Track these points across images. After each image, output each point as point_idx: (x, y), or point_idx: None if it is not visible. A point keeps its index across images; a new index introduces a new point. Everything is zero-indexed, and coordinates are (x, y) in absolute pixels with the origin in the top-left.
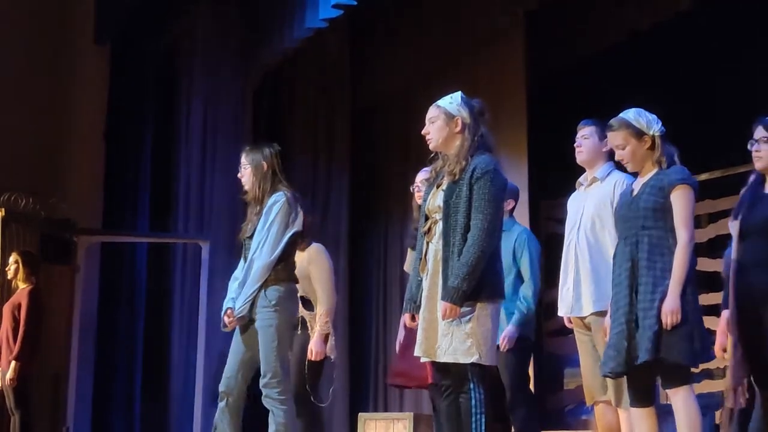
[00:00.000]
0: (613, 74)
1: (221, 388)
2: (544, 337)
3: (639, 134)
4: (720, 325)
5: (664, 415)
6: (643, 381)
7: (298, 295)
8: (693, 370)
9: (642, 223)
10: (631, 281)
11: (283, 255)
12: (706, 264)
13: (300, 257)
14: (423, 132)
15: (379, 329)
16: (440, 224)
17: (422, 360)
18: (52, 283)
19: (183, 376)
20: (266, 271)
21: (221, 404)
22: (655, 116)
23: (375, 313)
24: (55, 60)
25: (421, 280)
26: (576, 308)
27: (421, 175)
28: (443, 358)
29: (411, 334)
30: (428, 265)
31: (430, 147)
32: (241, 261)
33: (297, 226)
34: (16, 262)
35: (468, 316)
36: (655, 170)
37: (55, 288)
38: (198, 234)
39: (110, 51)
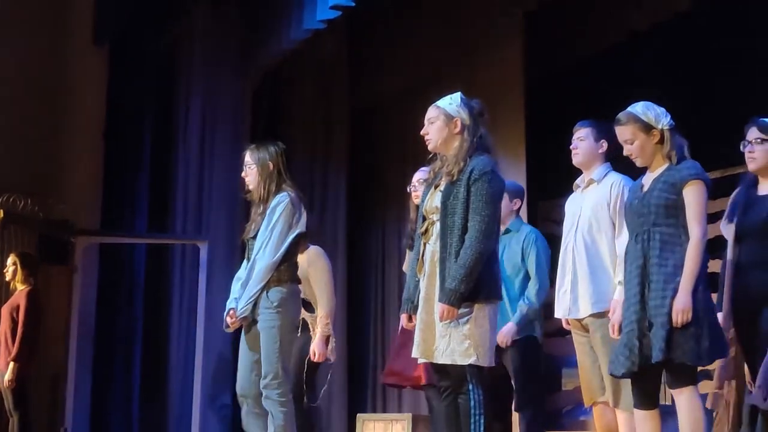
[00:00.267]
0: (612, 75)
1: (238, 392)
2: (542, 338)
3: (647, 128)
4: None
5: (664, 415)
6: (652, 381)
7: (299, 290)
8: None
9: (653, 220)
10: (641, 279)
11: (286, 256)
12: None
13: (299, 259)
14: (422, 132)
15: (377, 330)
16: (437, 225)
17: (419, 361)
18: (51, 284)
19: (181, 376)
20: (269, 272)
21: (243, 409)
22: (663, 109)
23: (373, 314)
24: (53, 60)
25: (419, 281)
26: (573, 310)
27: (418, 175)
28: (441, 360)
29: (406, 334)
30: (425, 266)
31: (429, 148)
32: (244, 261)
33: (301, 227)
34: (15, 263)
35: (466, 318)
36: (665, 165)
37: (53, 289)
38: (196, 235)
39: (109, 51)
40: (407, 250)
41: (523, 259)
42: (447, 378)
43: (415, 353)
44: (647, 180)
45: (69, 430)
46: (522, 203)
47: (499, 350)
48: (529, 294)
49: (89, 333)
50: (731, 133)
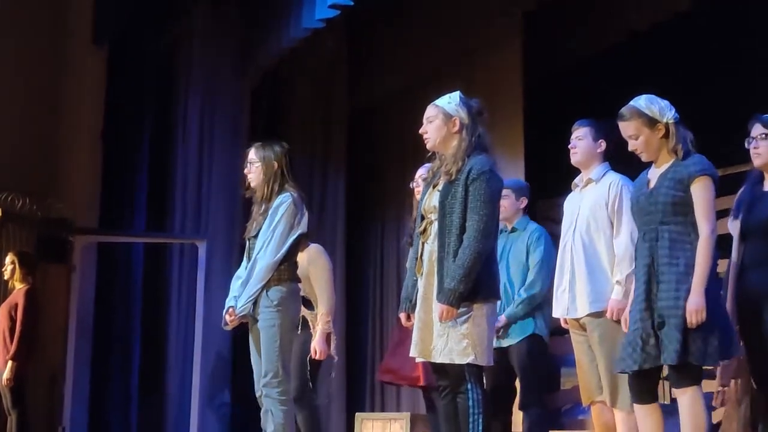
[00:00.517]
0: (611, 75)
1: (257, 393)
2: (548, 337)
3: (652, 123)
4: None
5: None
6: (653, 379)
7: (299, 289)
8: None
9: (661, 218)
10: (648, 277)
11: (287, 256)
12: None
13: (300, 258)
14: (421, 131)
15: (376, 329)
16: (435, 225)
17: (417, 360)
18: (49, 282)
19: (180, 375)
20: (269, 272)
21: (263, 409)
22: (667, 102)
23: (371, 312)
24: (53, 60)
25: (417, 280)
26: (571, 309)
27: (421, 171)
28: (439, 359)
29: (403, 332)
30: (424, 265)
31: (428, 146)
32: (244, 260)
33: (302, 227)
34: (13, 262)
35: (464, 317)
36: (672, 160)
37: (52, 287)
38: (195, 234)
39: (108, 51)
40: (409, 248)
41: (527, 257)
42: (445, 377)
43: (413, 352)
44: (653, 175)
45: (67, 428)
46: (528, 201)
47: (504, 349)
48: (525, 288)
49: (87, 331)
50: (731, 132)
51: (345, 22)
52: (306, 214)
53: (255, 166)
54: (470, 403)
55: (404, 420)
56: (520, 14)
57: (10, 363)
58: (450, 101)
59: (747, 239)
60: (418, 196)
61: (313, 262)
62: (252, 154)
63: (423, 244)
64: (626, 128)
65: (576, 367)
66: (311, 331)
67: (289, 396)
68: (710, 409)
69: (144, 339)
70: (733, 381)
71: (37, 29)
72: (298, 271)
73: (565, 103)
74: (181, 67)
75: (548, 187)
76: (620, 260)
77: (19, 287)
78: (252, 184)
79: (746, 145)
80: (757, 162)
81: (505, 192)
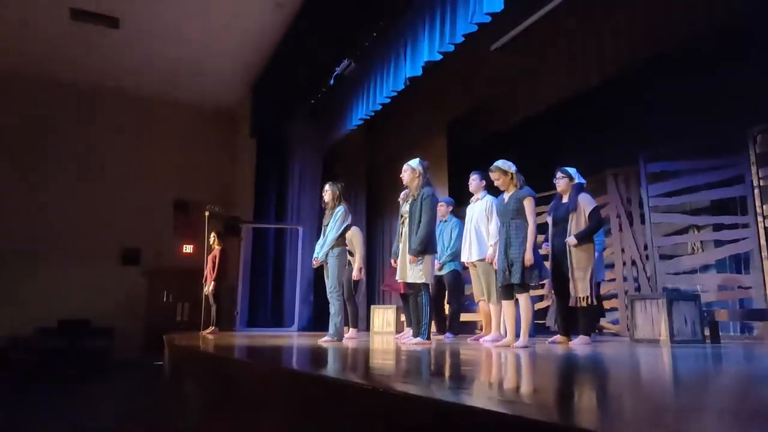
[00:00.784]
0: (501, 146)
1: (328, 296)
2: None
3: (505, 172)
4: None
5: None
6: (510, 288)
7: (347, 249)
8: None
9: (511, 217)
10: (505, 244)
11: (341, 234)
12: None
13: (348, 234)
14: (401, 176)
15: (381, 265)
16: (407, 219)
17: (398, 280)
18: (229, 246)
19: (290, 288)
20: (333, 242)
21: (330, 304)
22: (511, 162)
23: (380, 258)
24: (232, 143)
25: (399, 244)
26: (470, 257)
27: (402, 194)
28: (410, 279)
29: (392, 268)
30: (402, 238)
31: (404, 183)
32: (321, 235)
33: (348, 221)
34: (214, 236)
35: (420, 261)
36: (514, 190)
37: (231, 249)
38: (297, 223)
39: (257, 139)
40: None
41: (450, 233)
42: (412, 288)
43: (397, 276)
44: (506, 196)
45: (239, 312)
46: (452, 207)
47: (440, 276)
48: (450, 247)
49: (247, 270)
50: (550, 176)
51: (366, 123)
52: (350, 215)
53: (327, 193)
54: (423, 301)
55: (393, 309)
56: (446, 122)
57: (213, 282)
58: (414, 162)
59: (554, 225)
60: (401, 206)
61: (354, 235)
62: (327, 186)
63: (401, 227)
64: (493, 175)
65: (471, 284)
66: (353, 266)
67: (342, 298)
68: (534, 302)
69: (274, 272)
70: (548, 289)
71: (223, 128)
72: (346, 239)
73: (468, 160)
74: (291, 147)
75: (459, 201)
76: (492, 235)
77: (216, 248)
78: (326, 200)
79: (554, 180)
80: (558, 189)
81: (440, 203)
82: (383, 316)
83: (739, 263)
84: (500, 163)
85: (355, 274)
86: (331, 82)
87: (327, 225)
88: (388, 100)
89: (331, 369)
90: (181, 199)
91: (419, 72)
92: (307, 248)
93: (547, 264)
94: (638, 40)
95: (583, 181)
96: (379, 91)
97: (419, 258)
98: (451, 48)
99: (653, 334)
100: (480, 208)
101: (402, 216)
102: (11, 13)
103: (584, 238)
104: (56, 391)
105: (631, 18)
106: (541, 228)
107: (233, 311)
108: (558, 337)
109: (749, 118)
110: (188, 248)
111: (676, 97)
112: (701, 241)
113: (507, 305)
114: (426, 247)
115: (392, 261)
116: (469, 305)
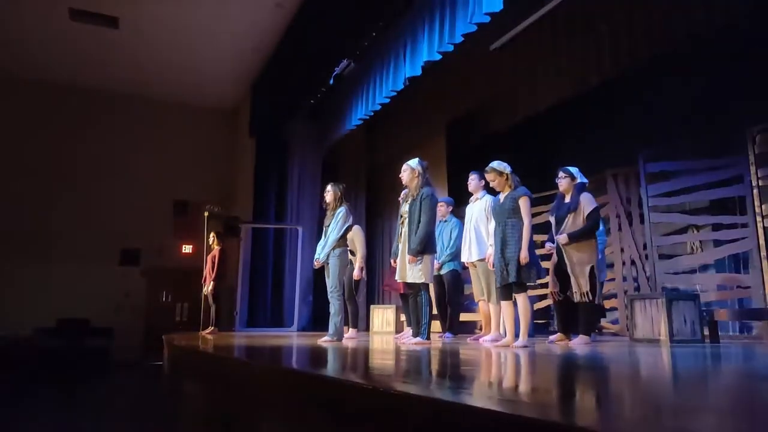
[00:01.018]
0: (501, 146)
1: (329, 296)
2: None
3: (500, 173)
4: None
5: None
6: (509, 288)
7: (348, 249)
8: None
9: (506, 216)
10: (502, 243)
11: (342, 235)
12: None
13: (349, 234)
14: (400, 175)
15: (381, 266)
16: (406, 219)
17: (398, 279)
18: (229, 247)
19: (289, 288)
20: (334, 242)
21: (330, 304)
22: (507, 164)
23: (379, 258)
24: (232, 142)
25: (398, 244)
26: (470, 257)
27: (402, 194)
28: (409, 279)
29: (392, 267)
30: (402, 238)
31: (403, 183)
32: (323, 236)
33: (349, 222)
34: (213, 236)
35: (419, 261)
36: (509, 190)
37: (230, 250)
38: (297, 223)
39: (256, 139)
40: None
41: (449, 233)
42: (411, 288)
43: (397, 277)
44: (502, 196)
45: (238, 312)
46: (452, 207)
47: (440, 276)
48: (450, 247)
49: (246, 269)
50: (553, 175)
51: (366, 123)
52: (351, 216)
53: (329, 193)
54: (423, 301)
55: (392, 308)
56: (444, 122)
57: (212, 282)
58: (413, 162)
59: (557, 224)
60: (401, 205)
61: (356, 234)
62: (328, 187)
63: (401, 227)
64: (488, 176)
65: (471, 284)
66: (354, 265)
67: (342, 298)
68: (533, 301)
69: (273, 272)
70: (553, 288)
71: (223, 128)
72: (348, 239)
73: (467, 161)
74: (291, 147)
75: (458, 201)
76: (489, 235)
77: (215, 248)
78: (327, 200)
79: (556, 180)
80: (560, 188)
81: (440, 203)
82: (383, 316)
83: (738, 263)
84: (495, 164)
85: (356, 274)
86: (331, 82)
87: (328, 226)
88: (388, 100)
89: (331, 369)
90: (181, 199)
91: (419, 72)
92: (306, 248)
93: (548, 264)
94: (638, 40)
95: (585, 180)
96: (379, 91)
97: (418, 258)
98: (451, 48)
99: (653, 334)
100: (479, 207)
101: (401, 216)
102: (10, 13)
103: (577, 237)
104: (56, 391)
105: (631, 18)
106: (543, 228)
107: (233, 311)
108: (557, 336)
109: (748, 118)
110: (188, 248)
111: (675, 97)
112: (700, 241)
113: (506, 305)
114: (425, 247)
115: (392, 261)
116: (469, 305)
